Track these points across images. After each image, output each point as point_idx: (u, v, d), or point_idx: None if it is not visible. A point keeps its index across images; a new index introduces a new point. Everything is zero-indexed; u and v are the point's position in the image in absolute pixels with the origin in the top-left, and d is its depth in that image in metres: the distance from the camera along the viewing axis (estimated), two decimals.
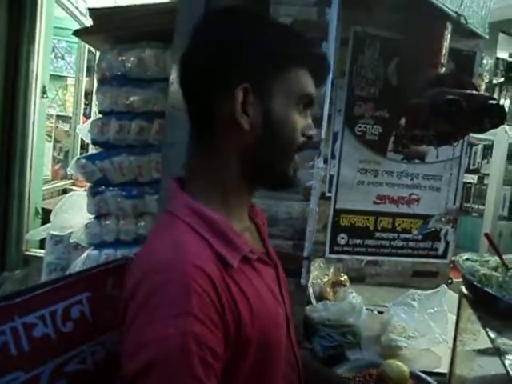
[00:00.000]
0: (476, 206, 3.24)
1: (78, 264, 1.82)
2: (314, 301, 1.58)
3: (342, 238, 2.07)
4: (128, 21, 1.74)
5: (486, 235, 0.98)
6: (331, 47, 1.35)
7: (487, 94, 1.59)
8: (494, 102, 1.42)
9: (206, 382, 0.56)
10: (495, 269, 0.94)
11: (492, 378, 1.15)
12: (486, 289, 0.87)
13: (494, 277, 0.90)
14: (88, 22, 2.71)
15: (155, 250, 0.65)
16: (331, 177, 2.01)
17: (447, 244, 2.17)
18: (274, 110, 0.67)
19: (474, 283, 0.90)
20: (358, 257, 2.10)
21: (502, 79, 4.00)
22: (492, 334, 0.83)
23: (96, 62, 1.91)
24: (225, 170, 0.69)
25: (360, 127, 2.00)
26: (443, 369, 1.26)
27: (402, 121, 1.78)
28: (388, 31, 1.97)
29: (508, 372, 0.72)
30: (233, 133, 0.67)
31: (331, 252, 2.06)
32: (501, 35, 4.02)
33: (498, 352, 0.78)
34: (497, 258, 0.98)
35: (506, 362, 0.75)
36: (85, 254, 1.82)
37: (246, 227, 0.76)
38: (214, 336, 0.59)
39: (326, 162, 1.93)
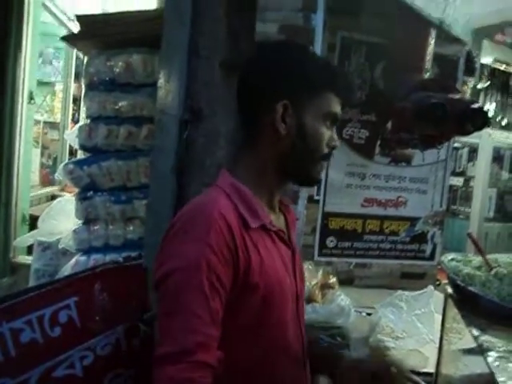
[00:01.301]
0: (462, 209, 3.29)
1: (66, 270, 1.81)
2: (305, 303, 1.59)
3: (331, 241, 2.09)
4: (116, 27, 1.74)
5: (469, 235, 1.00)
6: (317, 52, 1.37)
7: (470, 99, 1.62)
8: (477, 106, 1.45)
9: (209, 297, 0.73)
10: (479, 268, 0.96)
11: (477, 376, 1.16)
12: (470, 288, 0.89)
13: (477, 276, 0.91)
14: (75, 27, 2.70)
15: (193, 201, 0.86)
16: (320, 180, 2.03)
17: (434, 246, 2.20)
18: (306, 122, 0.86)
19: (458, 282, 0.92)
20: (347, 259, 2.11)
21: (487, 84, 4.08)
22: (476, 332, 0.85)
23: (84, 67, 1.91)
24: (262, 165, 0.88)
25: (347, 131, 2.03)
26: (430, 368, 1.28)
27: (389, 124, 1.80)
28: (374, 37, 2.01)
29: (490, 368, 0.74)
30: (272, 137, 0.86)
31: (320, 255, 2.07)
32: (485, 41, 4.10)
33: (480, 349, 0.80)
34: (480, 257, 1.00)
35: (489, 359, 0.77)
36: (73, 260, 1.81)
37: (273, 212, 0.92)
38: (223, 267, 0.75)
39: None
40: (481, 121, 1.38)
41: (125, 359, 1.02)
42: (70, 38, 1.98)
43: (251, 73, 0.91)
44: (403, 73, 1.78)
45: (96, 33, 1.79)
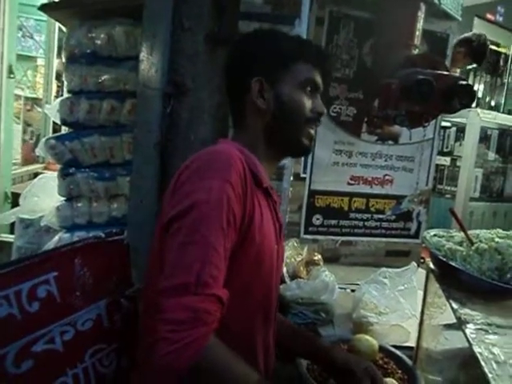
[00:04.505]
0: (449, 188, 3.31)
1: (49, 247, 1.79)
2: (287, 280, 1.60)
3: (317, 219, 2.09)
4: None
5: (451, 210, 1.00)
6: (304, 25, 1.34)
7: (458, 75, 1.61)
8: (464, 82, 1.44)
9: (226, 233, 0.76)
10: (460, 243, 0.97)
11: (458, 350, 1.18)
12: (451, 262, 0.89)
13: (458, 251, 0.92)
14: None
15: (205, 149, 0.87)
16: (306, 158, 2.02)
17: (419, 224, 2.21)
18: (283, 93, 0.92)
19: (440, 257, 0.92)
20: (333, 237, 2.12)
21: (487, 62, 4.03)
22: (455, 306, 0.86)
23: (64, 39, 1.85)
24: (253, 142, 0.94)
25: (335, 108, 2.01)
26: (412, 343, 1.30)
27: (376, 102, 1.78)
28: (363, 11, 1.97)
29: (468, 339, 0.75)
30: (255, 113, 0.93)
31: (306, 233, 2.08)
32: (476, 19, 4.06)
33: (459, 322, 0.80)
34: (462, 233, 1.00)
35: (467, 332, 0.78)
36: (56, 237, 1.79)
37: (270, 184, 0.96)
38: (239, 207, 0.79)
39: None
40: (468, 97, 1.38)
41: (106, 335, 1.01)
42: (48, 8, 1.90)
43: (231, 56, 0.99)
44: (392, 49, 1.75)
45: (76, 2, 1.72)
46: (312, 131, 0.96)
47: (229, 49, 1.03)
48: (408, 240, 2.21)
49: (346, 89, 2.01)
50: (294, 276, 1.66)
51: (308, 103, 0.93)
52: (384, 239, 2.19)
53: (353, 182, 2.09)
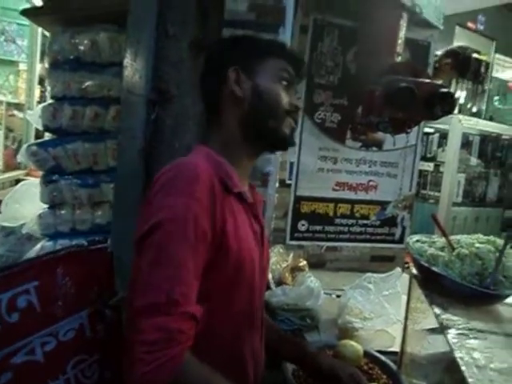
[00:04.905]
0: (432, 193, 3.36)
1: (31, 256, 1.76)
2: (273, 286, 1.60)
3: (303, 225, 2.10)
4: (81, 1, 1.67)
5: (433, 217, 1.02)
6: (288, 33, 1.35)
7: (439, 83, 1.64)
8: (445, 90, 1.46)
9: (194, 249, 0.75)
10: (442, 249, 0.98)
11: (441, 354, 1.19)
12: (433, 268, 0.91)
13: (440, 256, 0.93)
14: (38, 1, 2.57)
15: (174, 162, 0.85)
16: (291, 164, 2.03)
17: (403, 229, 2.24)
18: (260, 83, 0.91)
19: (422, 263, 0.93)
20: (318, 243, 2.13)
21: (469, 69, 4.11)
22: (437, 311, 0.87)
23: (47, 44, 1.83)
24: (231, 136, 0.92)
25: (319, 115, 2.03)
26: (397, 348, 1.31)
27: (360, 108, 1.81)
28: (347, 20, 1.99)
29: (449, 344, 0.76)
30: (232, 104, 0.91)
31: (292, 239, 2.08)
32: (457, 28, 4.15)
33: (441, 327, 0.81)
34: (444, 239, 1.01)
35: (449, 337, 0.79)
36: (38, 246, 1.76)
37: (245, 185, 0.95)
38: (207, 221, 0.78)
39: None
40: (448, 104, 1.40)
41: (89, 345, 1.00)
42: (30, 13, 1.87)
43: (209, 52, 1.00)
44: (375, 57, 1.78)
45: (60, 8, 1.70)
46: (293, 122, 0.95)
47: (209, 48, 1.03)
48: (392, 245, 2.23)
49: (331, 95, 2.03)
50: (279, 282, 1.66)
51: (284, 95, 0.92)
52: (369, 244, 2.20)
53: (338, 188, 2.11)
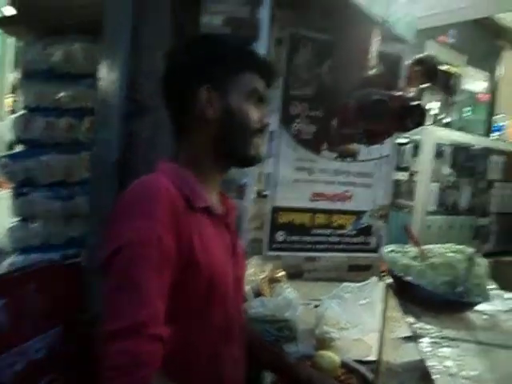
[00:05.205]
0: (406, 202, 3.42)
1: (1, 271, 1.70)
2: (250, 298, 1.59)
3: (280, 236, 2.10)
4: (54, 11, 1.65)
5: (405, 228, 1.04)
6: (263, 46, 1.37)
7: (410, 96, 1.68)
8: (416, 102, 1.51)
9: (158, 271, 0.74)
10: (415, 259, 1.00)
11: (417, 362, 1.21)
12: (406, 277, 0.92)
13: (413, 266, 0.95)
14: (9, 10, 2.52)
15: (135, 182, 0.84)
16: (268, 175, 2.04)
17: (379, 238, 2.27)
18: (231, 102, 0.90)
19: (396, 273, 0.95)
20: (296, 253, 2.14)
21: (440, 82, 4.24)
22: (411, 320, 0.88)
23: (20, 54, 1.80)
24: (200, 152, 0.92)
25: (295, 126, 2.05)
26: (374, 357, 1.32)
27: (335, 120, 1.84)
28: (321, 33, 2.03)
29: (421, 353, 0.77)
30: (203, 122, 0.90)
31: (269, 249, 2.08)
32: (428, 42, 4.28)
33: (415, 336, 0.83)
34: (417, 248, 1.03)
35: (422, 345, 0.80)
36: (9, 260, 1.71)
37: (215, 198, 0.95)
38: (171, 239, 0.77)
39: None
40: (418, 117, 1.44)
41: (61, 363, 0.97)
42: (2, 22, 1.83)
43: (173, 65, 0.96)
44: (349, 70, 1.82)
45: (33, 17, 1.68)
46: (259, 141, 0.95)
47: (169, 55, 0.99)
48: (369, 254, 2.26)
49: (307, 107, 2.06)
50: (257, 294, 1.65)
51: (255, 114, 0.92)
52: (346, 254, 2.22)
53: (314, 199, 2.13)
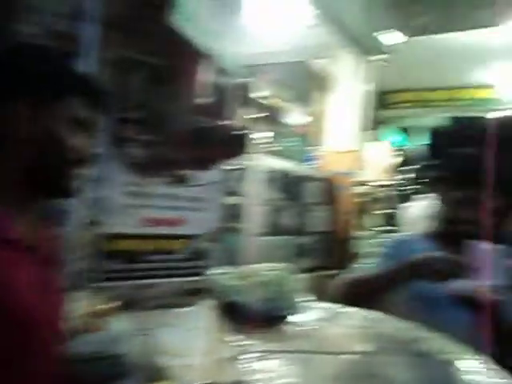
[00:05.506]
0: (238, 225, 3.62)
1: None
2: (77, 335, 1.45)
3: (112, 264, 1.99)
4: None
5: None
6: (90, 65, 1.31)
7: (235, 125, 1.82)
8: (238, 132, 1.63)
9: None
10: (237, 279, 1.06)
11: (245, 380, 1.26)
12: (229, 298, 0.97)
13: (235, 286, 1.00)
14: None
15: None
16: (97, 200, 1.92)
17: (211, 262, 2.33)
18: (51, 128, 0.82)
19: (220, 293, 0.99)
20: (129, 282, 2.04)
21: (262, 115, 4.65)
22: (234, 338, 0.92)
23: None
24: (7, 177, 0.82)
25: (126, 150, 1.98)
26: (210, 380, 1.33)
27: (165, 146, 1.85)
28: (151, 58, 2.04)
29: (239, 372, 0.81)
30: (13, 144, 0.81)
31: (99, 280, 1.94)
32: (256, 77, 4.68)
33: (238, 353, 0.87)
34: (241, 269, 1.10)
35: (244, 361, 0.84)
36: None
37: (25, 228, 0.84)
38: None
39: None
40: (239, 146, 1.56)
41: None
42: None
43: None
44: (179, 97, 1.86)
45: None
46: (75, 173, 0.89)
47: None
48: (201, 278, 2.29)
49: (139, 131, 2.02)
50: (85, 330, 1.52)
51: (73, 143, 0.86)
52: (180, 279, 2.22)
53: (146, 224, 2.08)
